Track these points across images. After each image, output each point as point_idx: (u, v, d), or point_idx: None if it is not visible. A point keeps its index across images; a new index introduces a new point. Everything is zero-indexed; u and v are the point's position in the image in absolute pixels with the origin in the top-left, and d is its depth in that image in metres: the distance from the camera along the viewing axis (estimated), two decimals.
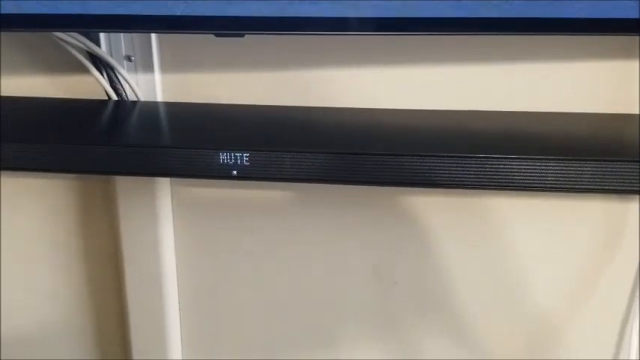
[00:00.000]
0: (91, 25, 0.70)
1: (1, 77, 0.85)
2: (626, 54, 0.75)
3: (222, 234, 0.92)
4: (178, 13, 0.66)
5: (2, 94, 0.86)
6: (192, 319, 0.98)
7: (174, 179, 0.89)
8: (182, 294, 0.96)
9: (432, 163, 0.67)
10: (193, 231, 0.92)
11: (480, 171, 0.67)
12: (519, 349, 0.91)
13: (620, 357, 0.88)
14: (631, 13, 0.62)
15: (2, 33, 0.83)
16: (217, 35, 0.69)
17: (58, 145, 0.73)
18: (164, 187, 0.89)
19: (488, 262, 0.87)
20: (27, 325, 1.03)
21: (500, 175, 0.67)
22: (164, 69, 0.83)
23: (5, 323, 1.02)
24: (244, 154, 0.70)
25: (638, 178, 0.65)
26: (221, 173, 0.71)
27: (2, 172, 0.91)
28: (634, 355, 0.83)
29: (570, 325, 0.89)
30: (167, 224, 0.91)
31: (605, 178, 0.66)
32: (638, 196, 0.80)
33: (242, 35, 0.69)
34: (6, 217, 0.96)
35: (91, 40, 0.79)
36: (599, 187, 0.66)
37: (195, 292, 0.96)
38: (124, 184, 0.88)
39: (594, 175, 0.66)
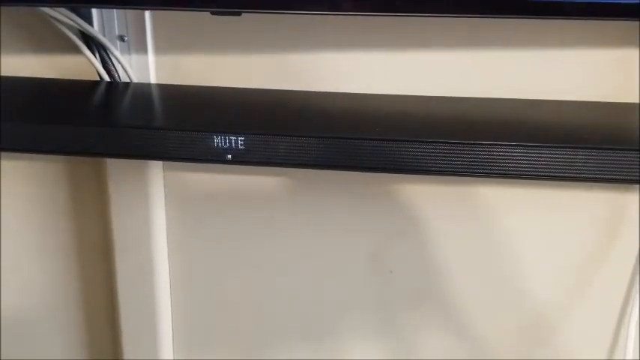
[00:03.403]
0: None
1: None
2: (626, 41, 0.74)
3: (215, 221, 0.91)
4: None
5: None
6: (184, 305, 0.97)
7: (166, 164, 0.88)
8: (174, 281, 0.95)
9: (427, 149, 0.66)
10: (186, 217, 0.91)
11: (472, 158, 0.66)
12: (514, 338, 0.91)
13: (618, 348, 0.88)
14: None
15: None
16: (213, 13, 0.67)
17: (48, 125, 0.71)
18: (156, 172, 0.88)
19: (484, 251, 0.86)
20: (14, 311, 1.01)
21: (492, 163, 0.66)
22: (158, 50, 0.82)
23: None
24: (239, 138, 0.69)
25: (632, 167, 0.64)
26: (215, 157, 0.70)
27: None
28: (631, 345, 0.83)
29: (566, 314, 0.88)
30: (159, 210, 0.90)
31: (598, 167, 0.65)
32: (636, 186, 0.79)
33: (239, 14, 0.67)
34: None
35: (83, 18, 0.77)
36: (592, 176, 0.65)
37: (188, 279, 0.95)
38: (115, 169, 0.86)
39: (587, 163, 0.65)
